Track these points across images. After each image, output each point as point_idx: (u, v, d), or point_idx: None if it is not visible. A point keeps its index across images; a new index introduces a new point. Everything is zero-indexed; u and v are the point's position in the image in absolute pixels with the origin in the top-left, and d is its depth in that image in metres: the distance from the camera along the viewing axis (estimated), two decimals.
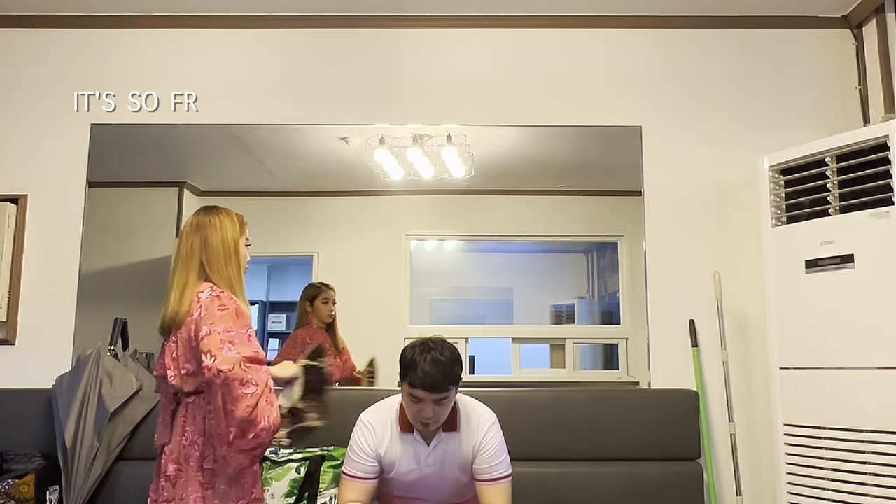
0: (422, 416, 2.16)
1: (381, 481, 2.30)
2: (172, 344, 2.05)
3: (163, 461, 2.02)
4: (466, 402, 2.32)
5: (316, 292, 3.40)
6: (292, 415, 2.10)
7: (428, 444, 2.24)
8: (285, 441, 2.08)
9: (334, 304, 3.38)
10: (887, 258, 2.46)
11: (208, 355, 1.88)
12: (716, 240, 3.20)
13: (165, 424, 2.09)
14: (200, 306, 1.98)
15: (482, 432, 2.24)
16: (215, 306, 1.97)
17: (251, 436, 1.89)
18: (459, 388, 2.29)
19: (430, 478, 2.26)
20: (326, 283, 3.41)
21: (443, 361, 2.11)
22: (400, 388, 2.23)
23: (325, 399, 2.18)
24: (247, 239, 2.19)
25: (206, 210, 2.16)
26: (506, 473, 2.25)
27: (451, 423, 2.25)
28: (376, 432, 2.26)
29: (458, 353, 2.20)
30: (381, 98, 3.32)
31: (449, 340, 2.22)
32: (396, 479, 2.29)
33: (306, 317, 3.37)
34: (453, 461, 2.25)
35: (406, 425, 2.25)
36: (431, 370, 2.09)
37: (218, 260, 2.08)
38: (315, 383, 2.16)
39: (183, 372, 2.01)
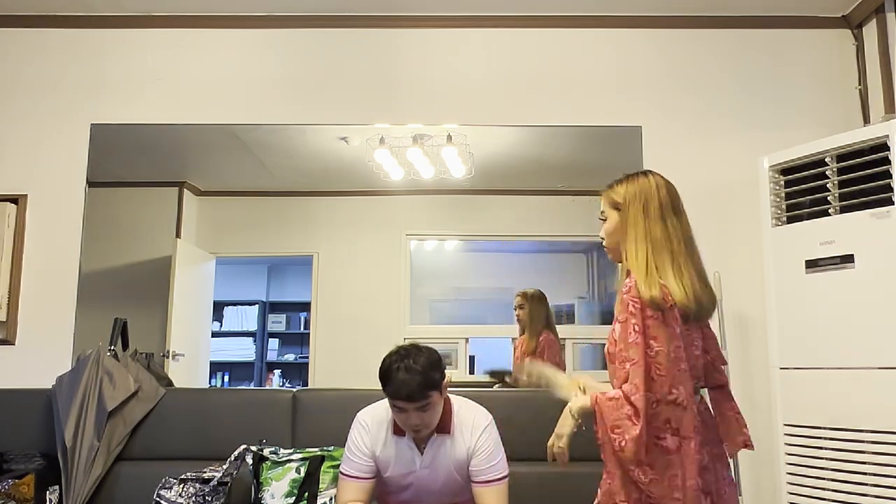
0: (409, 425, 2.16)
1: (378, 481, 2.30)
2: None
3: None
4: (461, 404, 2.31)
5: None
6: None
7: (420, 448, 2.23)
8: None
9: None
10: (887, 258, 2.46)
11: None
12: (716, 240, 3.19)
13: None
14: None
15: (476, 434, 2.23)
16: None
17: None
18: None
19: (425, 480, 2.25)
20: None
21: (417, 370, 2.08)
22: None
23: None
24: None
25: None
26: (502, 475, 2.23)
27: (444, 426, 2.23)
28: (372, 431, 2.26)
29: (436, 356, 2.17)
30: (381, 98, 3.31)
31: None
32: (391, 481, 2.28)
33: None
34: (448, 463, 2.23)
35: (399, 429, 2.24)
36: (406, 379, 2.07)
37: None
38: None
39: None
